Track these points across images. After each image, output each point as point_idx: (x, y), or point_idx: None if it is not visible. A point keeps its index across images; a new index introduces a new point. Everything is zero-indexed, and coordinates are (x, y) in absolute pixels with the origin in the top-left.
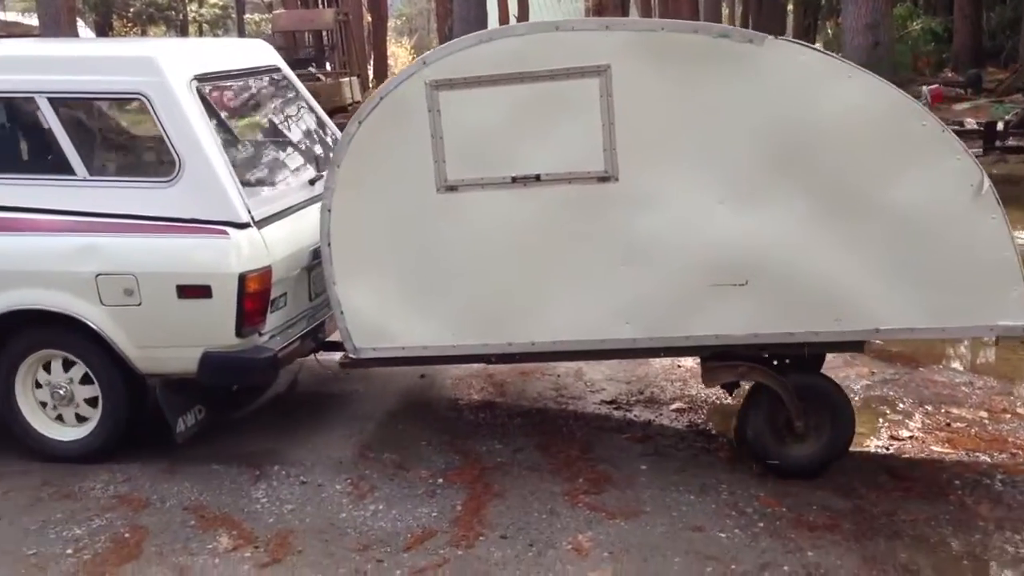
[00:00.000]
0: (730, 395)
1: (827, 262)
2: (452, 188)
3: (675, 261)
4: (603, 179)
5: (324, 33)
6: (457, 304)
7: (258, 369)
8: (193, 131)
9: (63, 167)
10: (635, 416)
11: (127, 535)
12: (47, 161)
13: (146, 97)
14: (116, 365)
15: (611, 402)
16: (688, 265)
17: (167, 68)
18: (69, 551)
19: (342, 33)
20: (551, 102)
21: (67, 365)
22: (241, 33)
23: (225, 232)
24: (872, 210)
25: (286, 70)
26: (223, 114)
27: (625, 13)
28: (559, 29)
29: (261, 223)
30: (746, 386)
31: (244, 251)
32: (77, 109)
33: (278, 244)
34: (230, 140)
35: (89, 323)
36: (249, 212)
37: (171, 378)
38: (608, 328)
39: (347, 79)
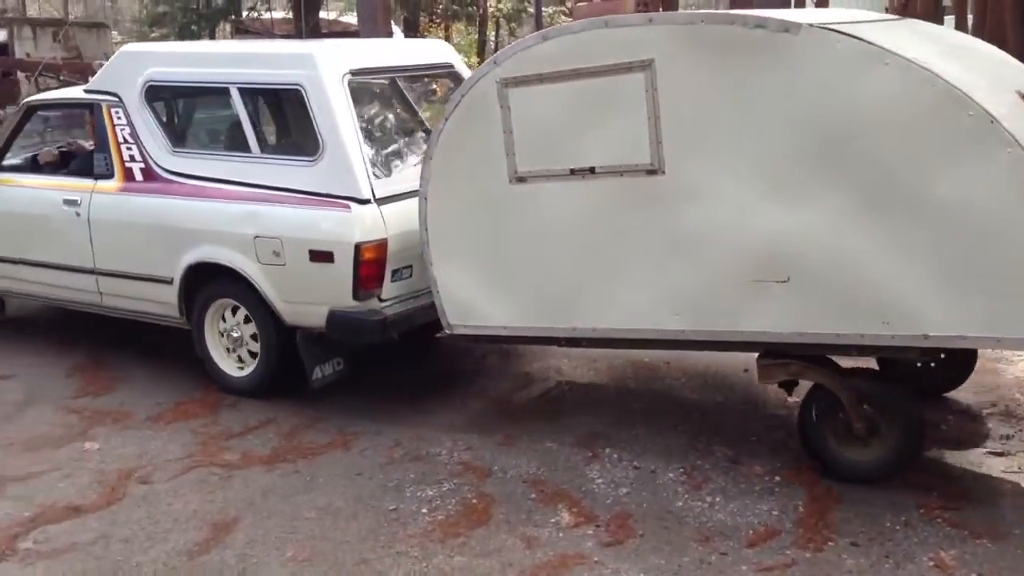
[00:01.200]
0: (789, 395)
1: (872, 261)
2: (522, 179)
3: (718, 254)
4: (651, 172)
5: None
6: (527, 289)
7: (368, 330)
8: (335, 119)
9: (243, 145)
10: (990, 429)
11: (474, 501)
12: (233, 140)
13: (302, 88)
14: (270, 316)
15: (963, 412)
16: (731, 259)
17: (322, 64)
18: (424, 510)
19: None
20: (603, 97)
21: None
22: (539, 26)
23: (348, 207)
24: (916, 207)
25: (459, 68)
26: (375, 104)
27: None
28: (608, 25)
29: (382, 201)
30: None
31: (362, 224)
32: (255, 97)
33: (396, 221)
34: (374, 128)
35: (249, 277)
36: (372, 191)
37: (311, 331)
38: (659, 318)
39: None
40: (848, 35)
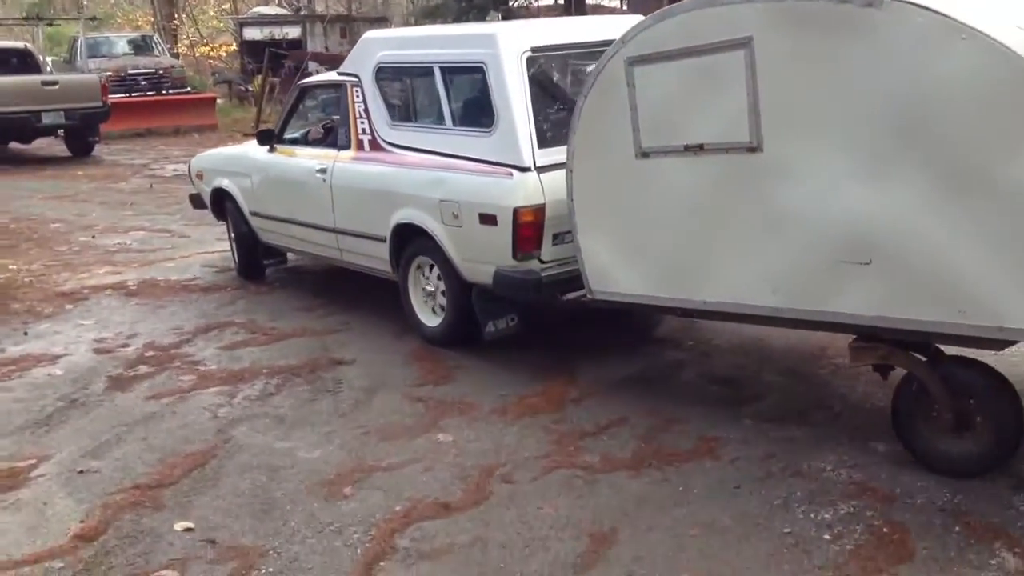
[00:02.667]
0: (884, 378)
1: (950, 247)
2: (645, 155)
3: (808, 233)
4: (751, 149)
5: None
6: (651, 260)
7: (524, 287)
8: (508, 93)
9: (440, 118)
10: None
11: (885, 530)
12: (434, 113)
13: (484, 64)
14: (453, 273)
15: None
16: (819, 239)
17: (502, 43)
18: (826, 536)
19: None
20: (710, 74)
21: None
22: None
23: (511, 174)
24: (996, 190)
25: None
26: (550, 80)
27: None
28: (711, 4)
29: (543, 169)
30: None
31: (521, 190)
32: (452, 74)
33: (557, 188)
34: (546, 102)
35: (436, 237)
36: (533, 160)
37: (485, 287)
38: (760, 294)
39: None
40: (928, 8)
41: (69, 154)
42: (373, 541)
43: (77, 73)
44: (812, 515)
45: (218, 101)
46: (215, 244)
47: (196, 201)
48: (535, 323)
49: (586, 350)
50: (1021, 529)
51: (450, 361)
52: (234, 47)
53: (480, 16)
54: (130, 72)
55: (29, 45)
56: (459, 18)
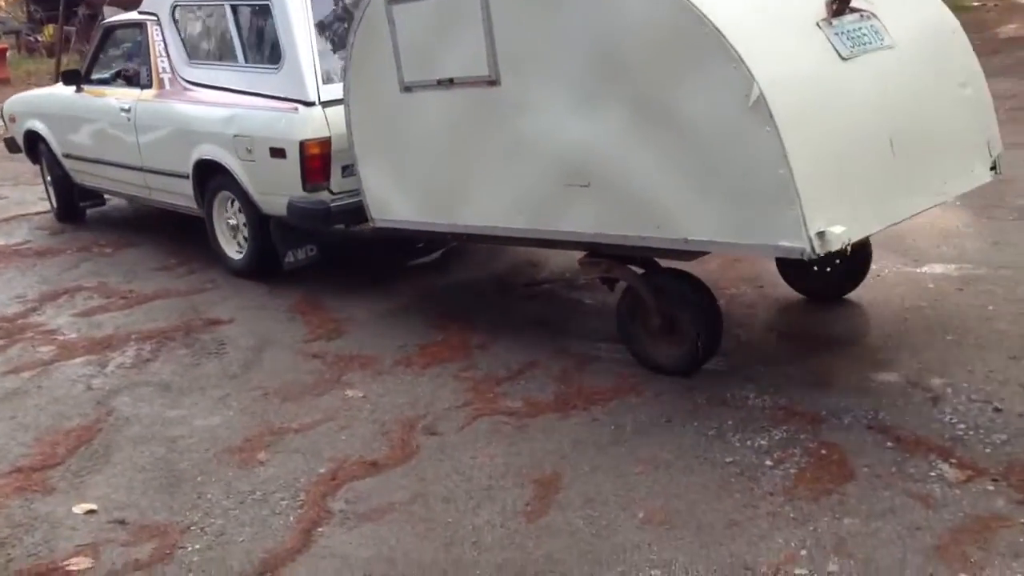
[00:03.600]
0: (611, 290)
1: (645, 169)
2: (408, 89)
3: (541, 160)
4: (491, 83)
5: None
6: (419, 188)
7: (314, 217)
8: (293, 31)
9: (233, 56)
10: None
11: (823, 451)
12: (227, 51)
13: (271, 3)
14: (252, 206)
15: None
16: (549, 165)
17: None
18: (767, 462)
19: None
20: (455, 12)
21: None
22: None
23: (296, 109)
24: (669, 119)
25: None
26: (336, 19)
27: None
28: None
29: (327, 104)
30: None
31: (306, 124)
32: (243, 12)
33: (341, 121)
34: (332, 41)
35: (233, 172)
36: (318, 95)
37: (282, 219)
38: (508, 218)
39: None
40: None
41: None
42: (304, 507)
43: None
44: (748, 443)
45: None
46: (39, 205)
47: (11, 145)
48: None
49: (473, 295)
50: (950, 440)
51: (336, 313)
52: None
53: None
54: None
55: None
56: None
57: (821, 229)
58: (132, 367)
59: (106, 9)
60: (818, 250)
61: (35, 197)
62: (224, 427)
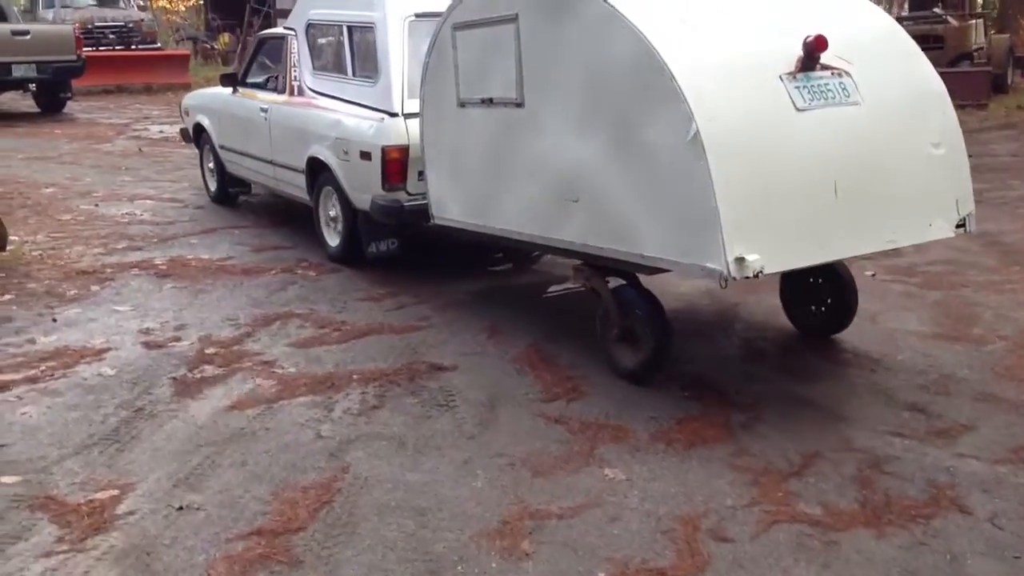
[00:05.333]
0: (599, 298)
1: (617, 189)
2: (462, 105)
3: (547, 175)
4: (518, 105)
5: None
6: (464, 192)
7: (389, 213)
8: (389, 49)
9: (344, 69)
10: None
11: None
12: (341, 64)
13: (374, 25)
14: (346, 201)
15: None
16: (552, 179)
17: (389, 8)
18: None
19: None
20: (497, 41)
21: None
22: None
23: (382, 118)
24: (636, 146)
25: None
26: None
27: None
28: None
29: (409, 116)
30: None
31: (389, 131)
32: (354, 31)
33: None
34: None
35: (333, 169)
36: (402, 107)
37: (367, 213)
38: (524, 224)
39: (973, 21)
40: (607, 1)
41: (38, 110)
42: None
43: (46, 23)
44: None
45: None
46: (238, 218)
47: (184, 135)
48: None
49: (717, 360)
50: None
51: (570, 370)
52: (194, 2)
53: None
54: (97, 24)
55: None
56: None
57: (739, 255)
58: (360, 414)
59: (279, 22)
60: (734, 274)
61: (232, 211)
62: (474, 502)
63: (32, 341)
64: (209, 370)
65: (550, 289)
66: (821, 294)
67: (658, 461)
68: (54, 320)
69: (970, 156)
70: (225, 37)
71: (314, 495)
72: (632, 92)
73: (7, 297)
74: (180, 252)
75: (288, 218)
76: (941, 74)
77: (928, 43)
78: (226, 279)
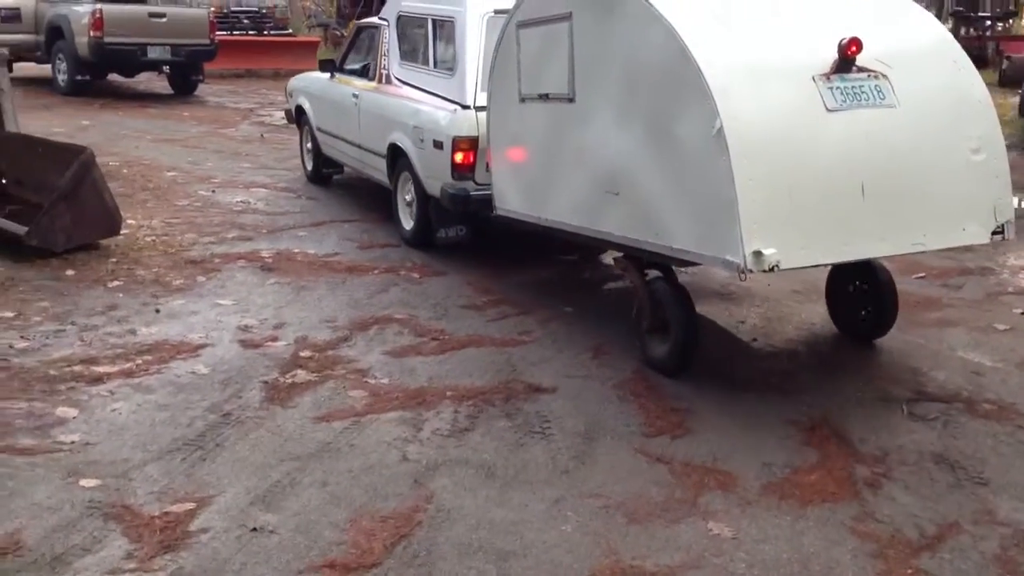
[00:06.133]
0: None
1: (652, 183)
2: (523, 100)
3: (593, 168)
4: (570, 100)
5: None
6: (523, 183)
7: (456, 201)
8: (467, 44)
9: (427, 60)
10: None
11: None
12: (424, 56)
13: (454, 20)
14: (420, 186)
15: None
16: (597, 172)
17: (470, 4)
18: None
19: None
20: (553, 39)
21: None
22: None
23: (455, 110)
24: (668, 142)
25: None
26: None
27: None
28: None
29: (481, 108)
30: None
31: (461, 123)
32: (438, 25)
33: None
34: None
35: (410, 156)
36: (474, 99)
37: (439, 200)
38: (572, 215)
39: None
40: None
41: (171, 92)
42: None
43: (183, 6)
44: None
45: None
46: (349, 212)
47: (288, 115)
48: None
49: (841, 403)
50: None
51: (677, 401)
52: None
53: None
54: (232, 9)
55: None
56: None
57: (757, 249)
58: (450, 435)
59: None
60: (751, 267)
61: (346, 203)
62: (563, 549)
63: (133, 332)
64: (301, 375)
65: (606, 287)
66: (863, 299)
67: (770, 518)
68: (157, 311)
69: None
70: (354, 24)
71: (393, 526)
72: (666, 88)
73: (115, 283)
74: (288, 245)
75: None
76: None
77: None
78: (329, 276)
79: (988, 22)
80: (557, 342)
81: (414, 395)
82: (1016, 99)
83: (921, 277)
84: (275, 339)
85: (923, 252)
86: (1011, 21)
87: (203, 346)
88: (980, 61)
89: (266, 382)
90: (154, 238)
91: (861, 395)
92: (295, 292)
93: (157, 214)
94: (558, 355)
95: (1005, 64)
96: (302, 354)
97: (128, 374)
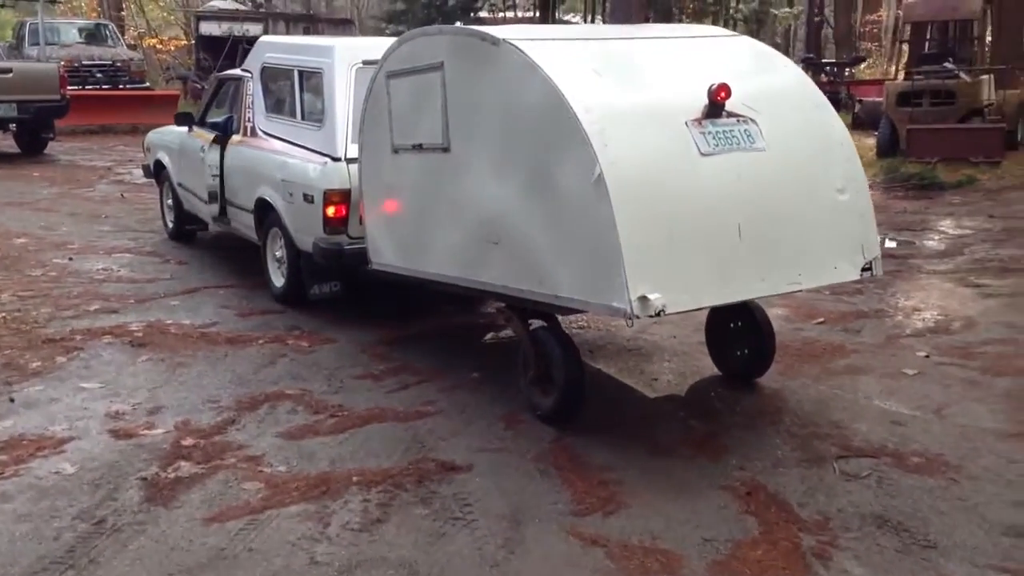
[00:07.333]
0: None
1: (533, 231)
2: (396, 151)
3: (471, 217)
4: (444, 150)
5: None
6: (397, 236)
7: (329, 256)
8: (335, 95)
9: (294, 112)
10: None
11: None
12: (291, 108)
13: (322, 72)
14: (290, 242)
15: None
16: (475, 222)
17: (337, 55)
18: None
19: (986, 21)
20: (424, 89)
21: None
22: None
23: (325, 162)
24: (548, 190)
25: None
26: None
27: None
28: (425, 34)
29: (352, 160)
30: None
31: (331, 176)
32: (305, 76)
33: None
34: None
35: (279, 210)
36: (345, 152)
37: (311, 256)
38: (450, 267)
39: (984, 77)
40: (520, 50)
41: (18, 151)
42: None
43: (30, 61)
44: None
45: None
46: (224, 276)
47: (146, 171)
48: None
49: (770, 461)
50: None
51: (604, 472)
52: (185, 42)
53: (447, 23)
54: (84, 63)
55: None
56: (425, 24)
57: (642, 294)
58: (361, 530)
59: None
60: (638, 312)
61: (217, 265)
62: None
63: None
64: (185, 468)
65: (487, 336)
66: (741, 339)
67: None
68: (11, 400)
69: (992, 216)
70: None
71: None
72: (544, 136)
73: None
74: (159, 316)
75: None
76: (953, 130)
77: (939, 98)
78: (208, 350)
79: (837, 68)
80: (465, 412)
81: (317, 483)
82: (871, 140)
83: (821, 322)
84: (151, 426)
85: (799, 291)
86: (859, 67)
87: (68, 439)
88: (834, 105)
89: (144, 479)
90: (4, 315)
91: (788, 453)
92: (171, 370)
93: (6, 288)
94: (468, 427)
95: (857, 107)
96: (184, 442)
97: None
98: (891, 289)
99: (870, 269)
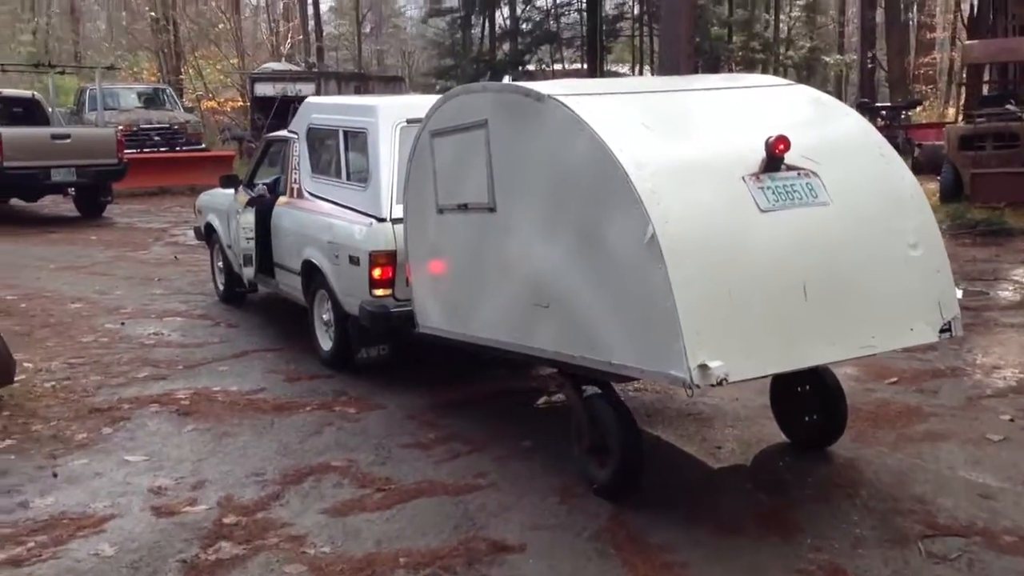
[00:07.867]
0: None
1: (584, 295)
2: (441, 211)
3: (519, 280)
4: (490, 210)
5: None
6: (444, 299)
7: (376, 319)
8: (380, 155)
9: (340, 172)
10: None
11: None
12: (337, 168)
13: (367, 131)
14: (337, 304)
15: None
16: (524, 285)
17: (381, 114)
18: None
19: None
20: (469, 148)
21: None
22: (862, 75)
23: (371, 223)
24: (599, 251)
25: None
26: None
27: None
28: (468, 92)
29: (397, 221)
30: None
31: (377, 237)
32: (350, 136)
33: None
34: None
35: (325, 273)
36: (391, 212)
37: (358, 318)
38: (499, 331)
39: None
40: (567, 105)
41: (78, 214)
42: None
43: (89, 126)
44: None
45: None
46: (273, 339)
47: (197, 233)
48: None
49: (851, 547)
50: None
51: (661, 550)
52: (241, 103)
53: (495, 78)
54: (142, 127)
55: (37, 95)
56: (474, 79)
57: (703, 362)
58: None
59: None
60: (698, 381)
61: (266, 328)
62: None
63: (25, 505)
64: (226, 548)
65: (539, 401)
66: (810, 403)
67: None
68: (55, 475)
69: None
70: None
71: None
72: (593, 195)
73: (7, 443)
74: (207, 382)
75: None
76: (1019, 174)
77: (1003, 141)
78: (255, 418)
79: (893, 112)
80: (517, 484)
81: (362, 566)
82: (934, 185)
83: (894, 382)
84: (194, 502)
85: (873, 355)
86: (915, 110)
87: (108, 518)
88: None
89: (184, 561)
90: (54, 383)
91: (868, 532)
92: (216, 440)
93: (58, 354)
94: (520, 501)
95: (917, 152)
96: (226, 520)
97: (16, 562)
98: (967, 344)
99: (949, 330)
